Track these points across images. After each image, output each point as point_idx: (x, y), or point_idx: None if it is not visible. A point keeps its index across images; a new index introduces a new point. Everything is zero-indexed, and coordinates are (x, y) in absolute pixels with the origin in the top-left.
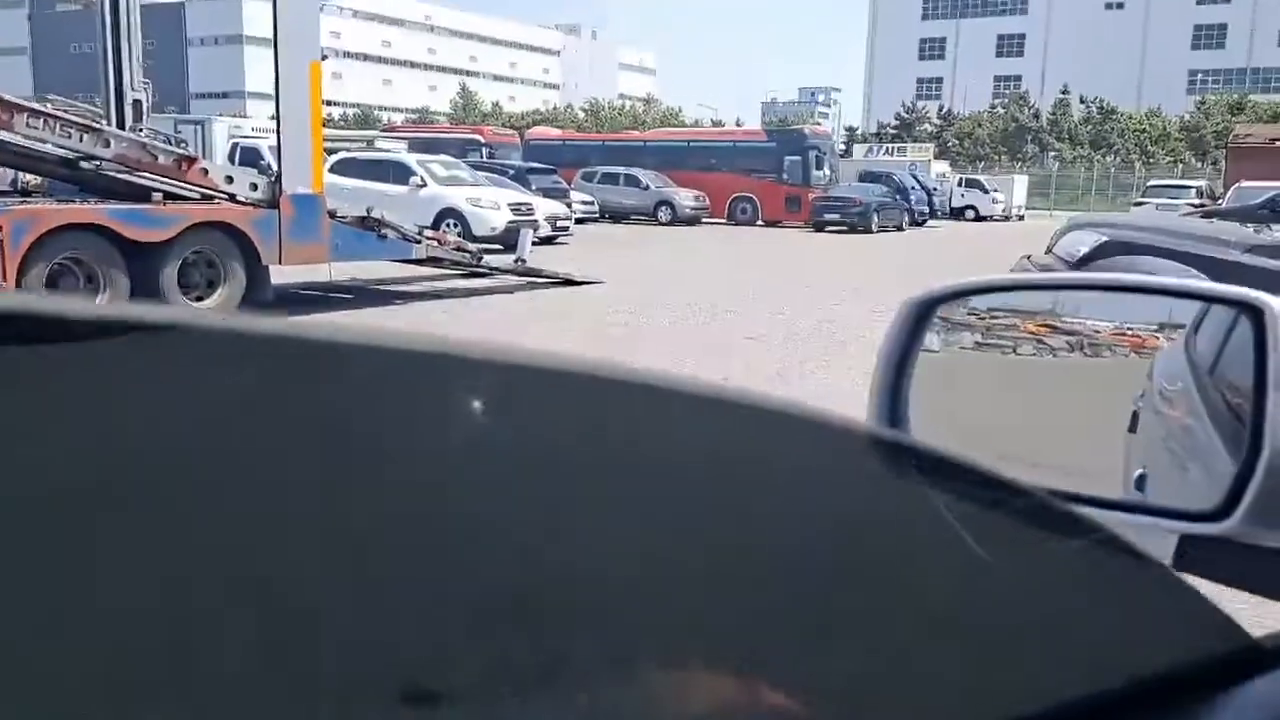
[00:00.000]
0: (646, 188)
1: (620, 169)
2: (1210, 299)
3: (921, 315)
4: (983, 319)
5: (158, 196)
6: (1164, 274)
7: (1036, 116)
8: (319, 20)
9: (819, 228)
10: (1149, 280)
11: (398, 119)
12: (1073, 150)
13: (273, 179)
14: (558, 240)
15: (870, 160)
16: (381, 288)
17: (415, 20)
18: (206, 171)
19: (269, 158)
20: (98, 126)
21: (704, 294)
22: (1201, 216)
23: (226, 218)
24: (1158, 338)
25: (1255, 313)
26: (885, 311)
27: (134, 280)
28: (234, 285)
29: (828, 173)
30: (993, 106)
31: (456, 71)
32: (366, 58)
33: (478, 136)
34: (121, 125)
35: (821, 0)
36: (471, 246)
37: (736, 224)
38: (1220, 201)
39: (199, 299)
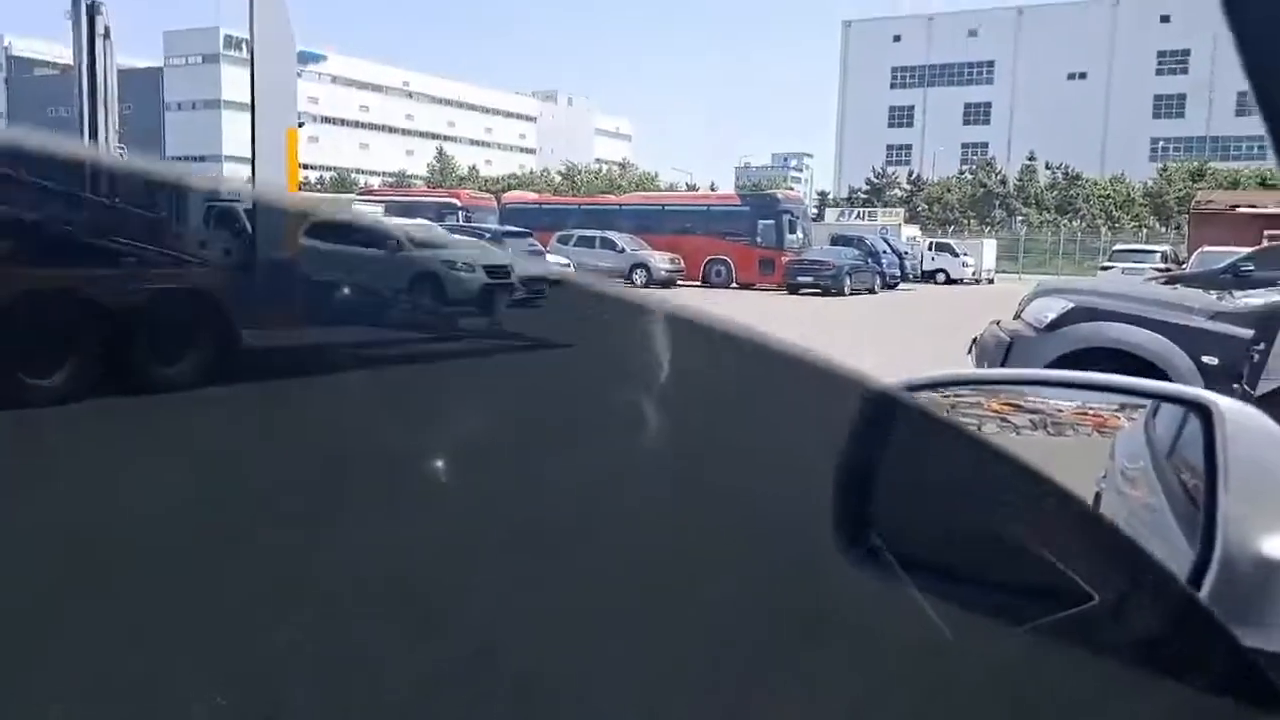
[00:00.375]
0: (622, 251)
1: (596, 232)
2: (1162, 398)
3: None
4: (947, 396)
5: (130, 261)
6: (1131, 339)
7: (1004, 182)
8: (296, 86)
9: (793, 290)
10: (1104, 379)
11: (375, 182)
12: (1039, 215)
13: (247, 243)
14: (533, 303)
15: (842, 224)
16: (355, 351)
17: (394, 86)
18: (180, 236)
19: (244, 221)
20: (67, 190)
21: None
22: (1165, 282)
23: (199, 283)
24: (1119, 417)
25: (1204, 411)
26: None
27: (102, 345)
28: (205, 350)
29: (801, 236)
30: (961, 172)
31: (434, 136)
32: (344, 122)
33: (454, 200)
34: (96, 190)
35: (793, 69)
36: (443, 310)
37: (711, 286)
38: (1185, 266)
39: (169, 364)
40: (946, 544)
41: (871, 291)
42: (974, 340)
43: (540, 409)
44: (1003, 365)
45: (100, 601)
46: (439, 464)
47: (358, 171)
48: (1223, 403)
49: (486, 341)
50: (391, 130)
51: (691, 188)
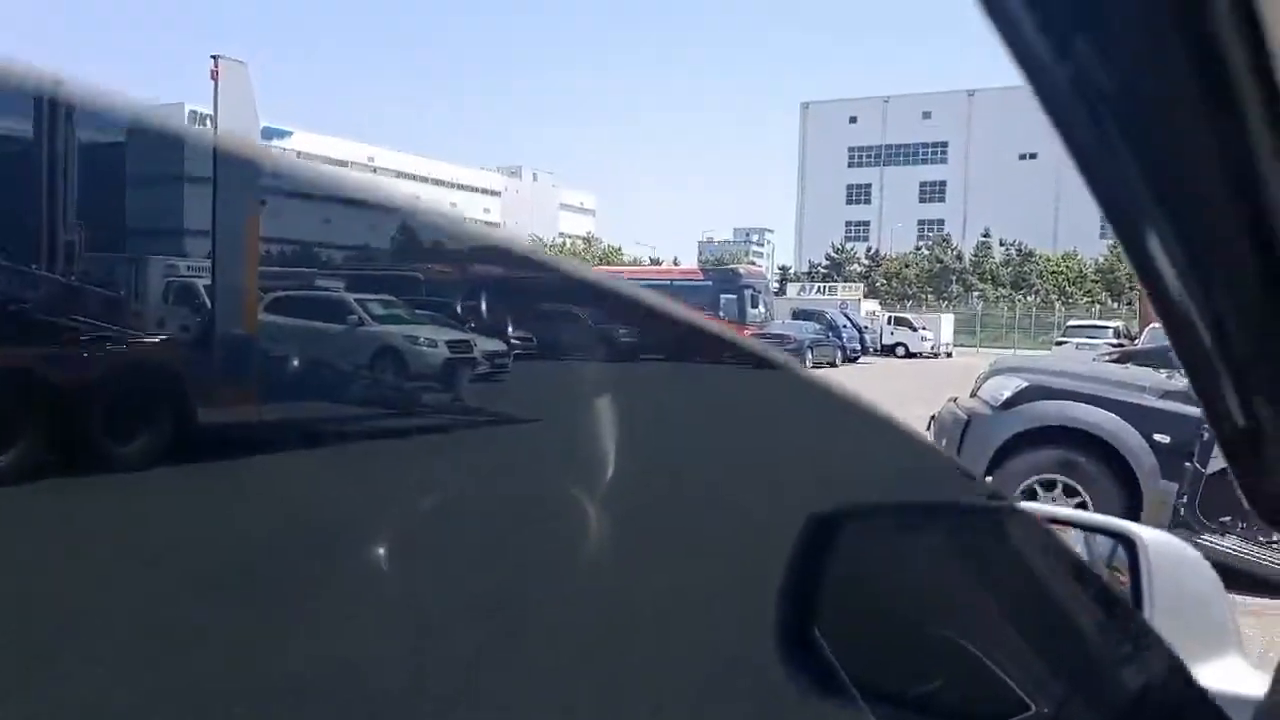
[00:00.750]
0: (585, 324)
1: (559, 306)
2: (1090, 529)
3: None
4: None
5: (85, 339)
6: (1085, 418)
7: (959, 258)
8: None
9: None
10: (1032, 508)
11: (338, 256)
12: (995, 290)
13: (206, 320)
14: (496, 377)
15: (803, 298)
16: (312, 428)
17: (358, 161)
18: (138, 313)
19: (204, 297)
20: (21, 268)
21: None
22: (1118, 359)
23: (155, 360)
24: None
25: (1129, 542)
26: None
27: (56, 424)
28: (161, 428)
29: (763, 310)
30: (918, 248)
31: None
32: (308, 197)
33: (417, 274)
34: (53, 267)
35: (755, 146)
36: (404, 386)
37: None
38: (1137, 341)
39: (123, 442)
40: (896, 648)
41: (833, 365)
42: (932, 418)
43: (505, 486)
44: (960, 443)
45: (51, 686)
46: (400, 544)
47: (320, 245)
48: (1146, 534)
49: (449, 417)
50: (357, 205)
51: (655, 262)
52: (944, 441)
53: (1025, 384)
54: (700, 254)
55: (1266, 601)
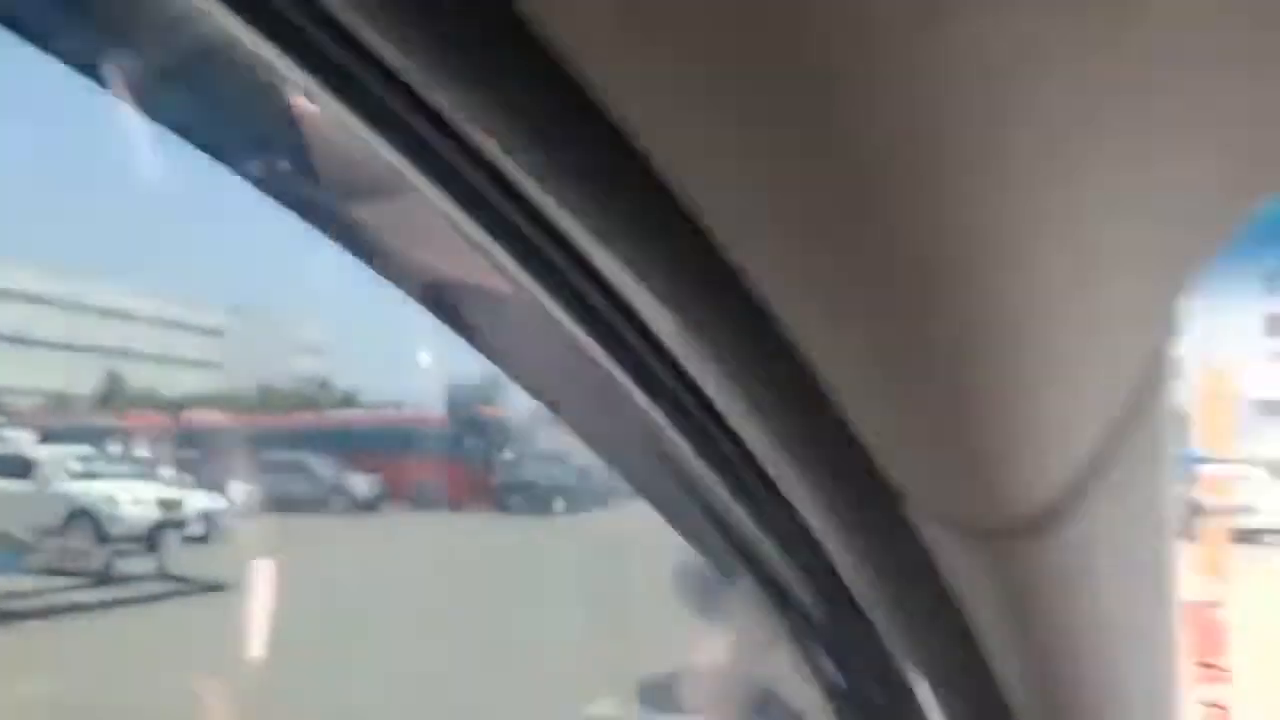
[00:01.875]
0: (319, 475)
1: (289, 455)
2: None
3: None
4: None
5: None
6: None
7: None
8: None
9: (506, 510)
10: None
11: (27, 404)
12: None
13: None
14: (210, 539)
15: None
16: None
17: (56, 297)
18: None
19: None
20: None
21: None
22: None
23: None
24: None
25: None
26: None
27: None
28: None
29: (512, 455)
30: None
31: (104, 351)
32: None
33: (125, 423)
34: None
35: None
36: (101, 552)
37: (420, 509)
38: None
39: None
40: None
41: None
42: None
43: (201, 664)
44: None
45: None
46: None
47: (11, 391)
48: None
49: (152, 586)
50: (53, 346)
51: (398, 405)
52: None
53: None
54: (450, 397)
55: None
